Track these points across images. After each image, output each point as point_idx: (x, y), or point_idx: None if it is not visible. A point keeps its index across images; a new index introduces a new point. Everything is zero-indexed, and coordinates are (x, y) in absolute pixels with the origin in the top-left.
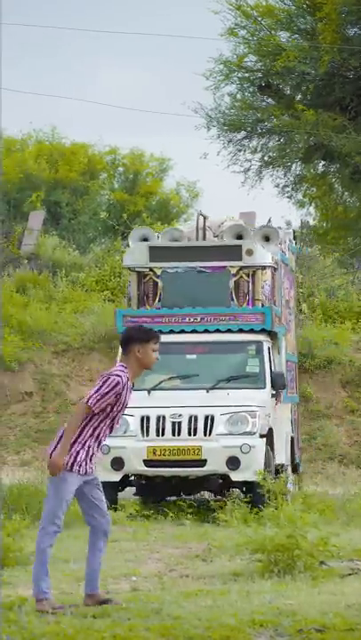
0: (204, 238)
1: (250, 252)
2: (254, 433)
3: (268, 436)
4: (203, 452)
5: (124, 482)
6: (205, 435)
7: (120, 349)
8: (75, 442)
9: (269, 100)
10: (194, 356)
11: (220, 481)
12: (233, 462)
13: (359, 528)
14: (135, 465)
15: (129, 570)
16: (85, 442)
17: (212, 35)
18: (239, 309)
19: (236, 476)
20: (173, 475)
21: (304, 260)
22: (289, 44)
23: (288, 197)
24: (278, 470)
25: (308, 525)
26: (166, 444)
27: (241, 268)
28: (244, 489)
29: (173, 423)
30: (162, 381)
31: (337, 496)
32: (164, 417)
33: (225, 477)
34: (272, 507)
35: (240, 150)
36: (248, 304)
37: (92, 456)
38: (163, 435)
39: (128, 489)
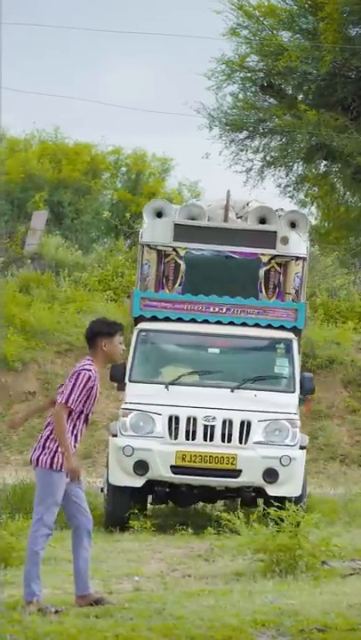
0: (227, 220)
1: (285, 241)
2: (294, 444)
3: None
4: (238, 462)
5: (146, 488)
6: (241, 442)
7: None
8: (58, 444)
9: (271, 99)
10: (217, 350)
11: (253, 494)
12: (271, 475)
13: None
14: (161, 470)
15: (131, 570)
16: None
17: (215, 34)
18: (270, 303)
19: (272, 491)
20: (203, 484)
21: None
22: (291, 43)
23: (290, 197)
24: None
25: (309, 525)
26: (198, 449)
27: (273, 256)
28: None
29: (206, 427)
30: (181, 375)
31: (339, 496)
32: (195, 419)
33: (259, 490)
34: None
35: (242, 150)
36: (277, 297)
37: (74, 453)
38: (194, 439)
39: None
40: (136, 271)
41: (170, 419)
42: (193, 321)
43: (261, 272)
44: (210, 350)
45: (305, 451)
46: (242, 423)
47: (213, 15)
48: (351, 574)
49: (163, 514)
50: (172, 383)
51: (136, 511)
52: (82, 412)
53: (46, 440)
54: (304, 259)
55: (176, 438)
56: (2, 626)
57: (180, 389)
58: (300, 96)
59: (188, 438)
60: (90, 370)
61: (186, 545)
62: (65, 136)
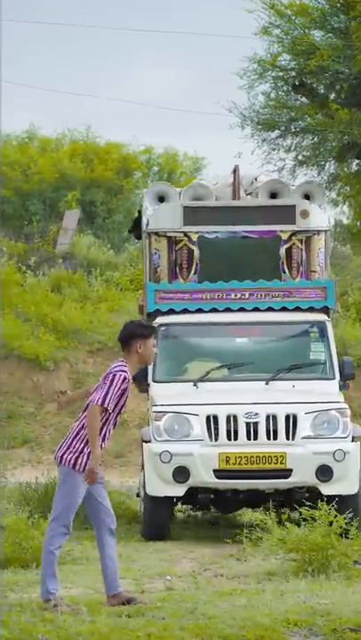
0: (238, 198)
1: (305, 214)
2: (346, 436)
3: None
4: (287, 460)
5: (186, 497)
6: (288, 438)
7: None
8: (85, 444)
9: (303, 98)
10: (245, 340)
11: (307, 495)
12: (324, 472)
13: None
14: (204, 476)
15: (163, 569)
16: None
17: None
18: (296, 283)
19: (327, 489)
20: (250, 488)
21: (338, 258)
22: (323, 42)
23: None
24: None
25: (342, 525)
26: (242, 449)
27: (294, 232)
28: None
29: (248, 424)
30: (211, 371)
31: None
32: (235, 417)
33: (312, 490)
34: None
35: (274, 149)
36: (302, 276)
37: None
38: (236, 439)
39: None
40: (144, 263)
41: (208, 419)
42: (214, 310)
43: (282, 250)
44: (237, 341)
45: (359, 443)
46: (287, 417)
47: (245, 14)
48: None
49: (193, 516)
50: (201, 380)
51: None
52: (112, 412)
53: (73, 439)
54: (326, 232)
55: (217, 439)
56: (34, 625)
57: (210, 386)
58: (332, 95)
59: (229, 438)
60: (125, 371)
61: (218, 544)
62: (96, 135)
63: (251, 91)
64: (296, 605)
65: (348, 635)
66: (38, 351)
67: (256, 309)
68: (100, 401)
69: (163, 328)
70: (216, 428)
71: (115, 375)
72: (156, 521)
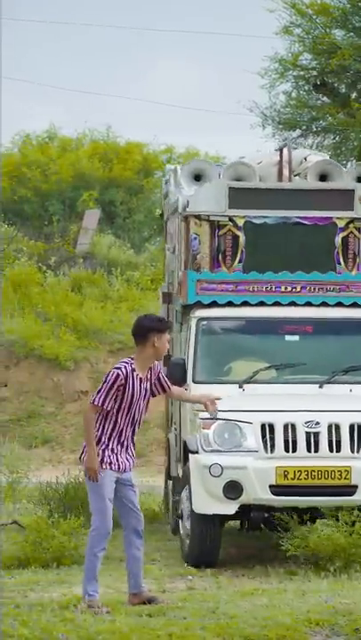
0: (290, 179)
1: None
2: None
3: None
4: (352, 476)
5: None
6: (353, 451)
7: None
8: (97, 442)
9: (324, 98)
10: (295, 338)
11: None
12: None
13: None
14: (258, 492)
15: (185, 569)
16: (107, 440)
17: (268, 33)
18: (353, 276)
19: None
20: (310, 505)
21: None
22: (344, 42)
23: None
24: None
25: None
26: (301, 463)
27: (351, 220)
28: None
29: (309, 434)
30: (258, 371)
31: None
32: (293, 425)
33: None
34: None
35: (295, 149)
36: (359, 269)
37: (120, 452)
38: (295, 450)
39: None
40: (177, 248)
41: (263, 427)
42: (261, 304)
43: (338, 239)
44: (287, 338)
45: None
46: (351, 427)
47: (266, 14)
48: None
49: None
50: (248, 381)
51: None
52: (120, 410)
53: None
54: None
55: (273, 451)
56: (54, 624)
57: (258, 389)
58: (354, 94)
59: (287, 450)
60: (119, 368)
61: (239, 544)
62: (117, 135)
63: (272, 90)
64: (318, 605)
65: None
66: (58, 351)
67: (308, 304)
68: (90, 399)
69: (204, 322)
70: (272, 439)
71: (108, 373)
72: (205, 543)
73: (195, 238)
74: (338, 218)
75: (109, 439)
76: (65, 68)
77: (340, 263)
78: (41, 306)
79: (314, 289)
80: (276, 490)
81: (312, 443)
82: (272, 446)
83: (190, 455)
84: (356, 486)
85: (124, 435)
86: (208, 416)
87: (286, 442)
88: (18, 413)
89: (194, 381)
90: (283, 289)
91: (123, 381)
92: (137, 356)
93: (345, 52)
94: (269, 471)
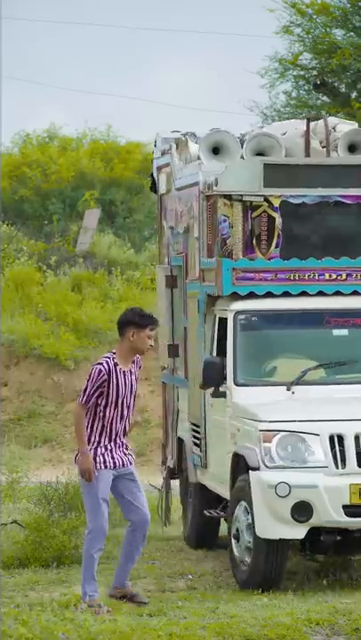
0: (328, 154)
1: None
2: None
3: None
4: None
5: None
6: None
7: None
8: (88, 442)
9: (324, 97)
10: (344, 332)
11: None
12: None
13: None
14: (331, 513)
15: (185, 568)
16: (98, 438)
17: (268, 33)
18: None
19: None
20: None
21: None
22: (344, 41)
23: None
24: None
25: None
26: None
27: None
28: None
29: None
30: (307, 371)
31: None
32: None
33: None
34: None
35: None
36: None
37: (114, 449)
38: None
39: None
40: (196, 230)
41: (331, 439)
42: (303, 294)
43: None
44: (334, 333)
45: None
46: None
47: (267, 13)
48: None
49: None
50: (297, 383)
51: None
52: (107, 405)
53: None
54: None
55: (344, 466)
56: (54, 624)
57: (309, 391)
58: (354, 94)
59: (360, 465)
60: (101, 363)
61: None
62: (117, 135)
63: (272, 90)
64: (318, 605)
65: None
66: (59, 350)
67: (355, 293)
68: (78, 398)
69: (242, 317)
70: (342, 452)
71: (91, 370)
72: (270, 570)
73: (224, 221)
74: None
75: (100, 436)
76: (65, 68)
77: None
78: (41, 305)
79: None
80: (351, 510)
81: None
82: (343, 461)
83: (251, 472)
84: None
85: (114, 431)
86: (270, 427)
87: (359, 455)
88: (18, 413)
89: (236, 383)
90: (327, 277)
91: (105, 376)
92: (118, 348)
93: (345, 51)
94: (343, 489)
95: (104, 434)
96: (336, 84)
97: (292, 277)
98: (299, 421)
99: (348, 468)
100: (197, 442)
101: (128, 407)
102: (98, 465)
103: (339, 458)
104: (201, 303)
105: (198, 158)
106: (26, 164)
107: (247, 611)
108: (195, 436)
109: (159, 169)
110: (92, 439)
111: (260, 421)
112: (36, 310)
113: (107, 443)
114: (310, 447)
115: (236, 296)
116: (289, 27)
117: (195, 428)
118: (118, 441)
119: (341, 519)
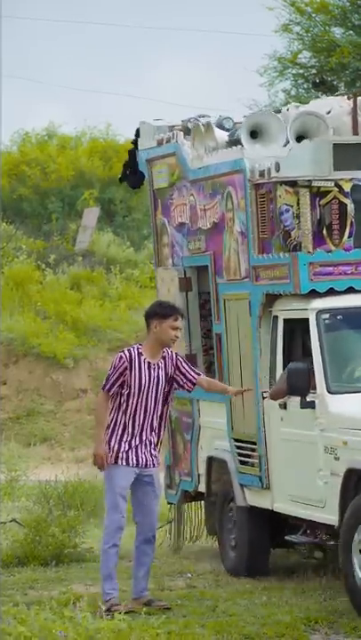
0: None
1: None
2: None
3: None
4: None
5: None
6: None
7: None
8: (111, 434)
9: (324, 96)
10: None
11: None
12: None
13: None
14: None
15: (184, 567)
16: (120, 432)
17: (267, 31)
18: None
19: None
20: None
21: None
22: (343, 40)
23: None
24: None
25: None
26: None
27: None
28: None
29: None
30: None
31: None
32: None
33: None
34: None
35: None
36: None
37: (139, 447)
38: None
39: None
40: (244, 223)
41: None
42: None
43: None
44: None
45: None
46: None
47: (266, 12)
48: None
49: None
50: None
51: None
52: (130, 396)
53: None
54: None
55: None
56: (53, 622)
57: None
58: None
59: None
60: (123, 351)
61: None
62: (116, 133)
63: (271, 88)
64: (317, 603)
65: None
66: (57, 349)
67: None
68: (102, 386)
69: (326, 317)
70: None
71: (114, 358)
72: None
73: (287, 211)
74: None
75: (123, 430)
76: (65, 66)
77: None
78: (40, 304)
79: None
80: None
81: None
82: None
83: None
84: None
85: (137, 424)
86: None
87: None
88: (17, 411)
89: (329, 391)
90: None
91: (126, 364)
92: (145, 340)
93: (344, 49)
94: None
95: (128, 427)
96: (335, 83)
97: None
98: None
99: None
100: (250, 460)
101: (155, 402)
102: (120, 460)
103: None
104: (255, 305)
105: (230, 144)
106: (25, 162)
107: (246, 609)
108: (245, 454)
109: (151, 161)
110: (116, 430)
111: None
112: (34, 309)
113: (130, 438)
114: None
115: (311, 294)
116: (288, 25)
117: (243, 445)
118: (145, 438)
119: None
